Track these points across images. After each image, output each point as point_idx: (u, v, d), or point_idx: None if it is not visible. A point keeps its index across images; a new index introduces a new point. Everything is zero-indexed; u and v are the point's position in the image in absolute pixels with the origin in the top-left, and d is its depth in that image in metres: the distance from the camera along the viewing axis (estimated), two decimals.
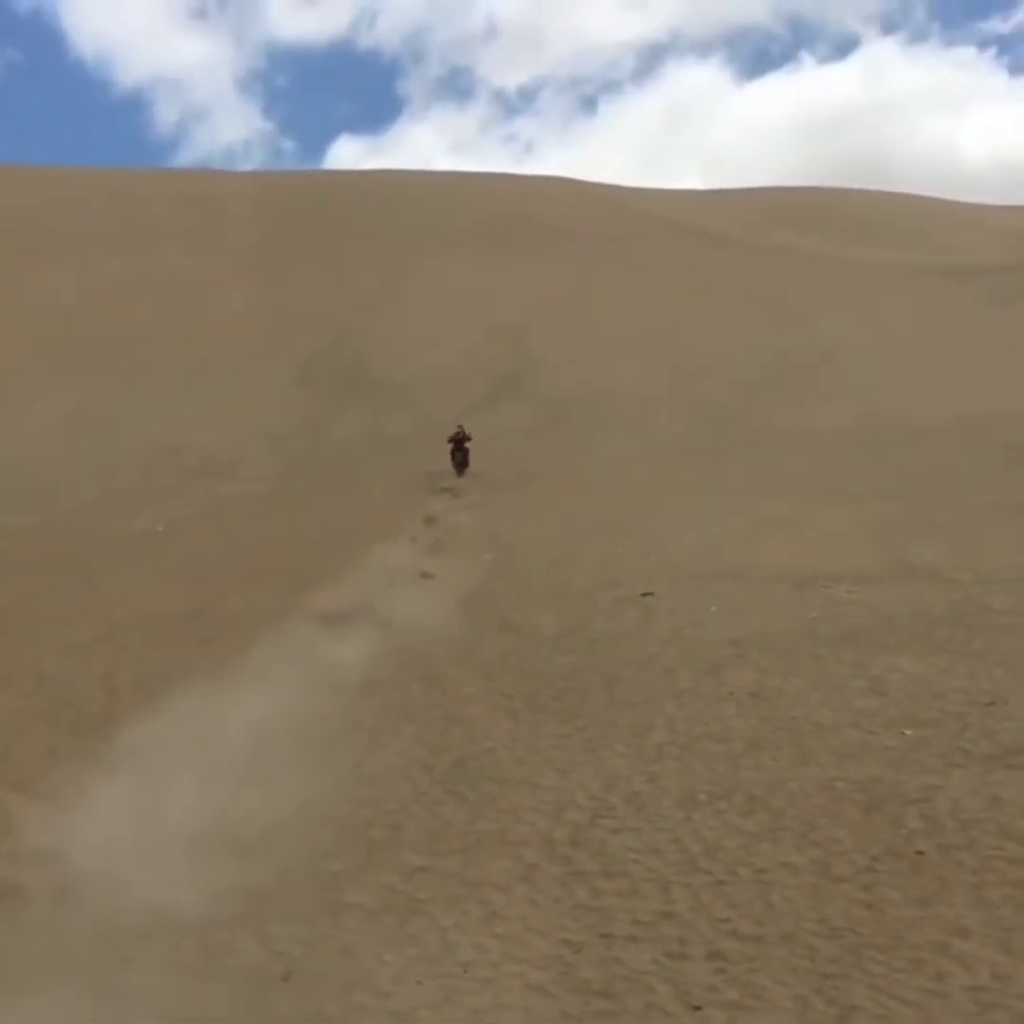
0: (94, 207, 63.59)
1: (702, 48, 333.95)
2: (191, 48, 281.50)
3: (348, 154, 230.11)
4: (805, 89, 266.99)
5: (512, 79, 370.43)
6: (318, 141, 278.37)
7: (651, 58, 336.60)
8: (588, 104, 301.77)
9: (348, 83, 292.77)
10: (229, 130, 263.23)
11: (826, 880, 10.98)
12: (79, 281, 49.75)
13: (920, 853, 11.30)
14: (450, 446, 30.68)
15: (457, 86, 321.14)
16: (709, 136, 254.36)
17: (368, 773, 13.86)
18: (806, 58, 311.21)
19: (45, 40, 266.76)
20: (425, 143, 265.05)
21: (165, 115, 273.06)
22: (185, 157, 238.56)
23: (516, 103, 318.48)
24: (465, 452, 30.57)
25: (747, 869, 11.32)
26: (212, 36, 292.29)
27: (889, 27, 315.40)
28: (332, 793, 13.32)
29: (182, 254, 55.53)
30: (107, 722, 15.14)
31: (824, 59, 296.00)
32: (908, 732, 14.20)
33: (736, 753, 14.03)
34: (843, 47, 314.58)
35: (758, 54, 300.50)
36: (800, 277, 55.98)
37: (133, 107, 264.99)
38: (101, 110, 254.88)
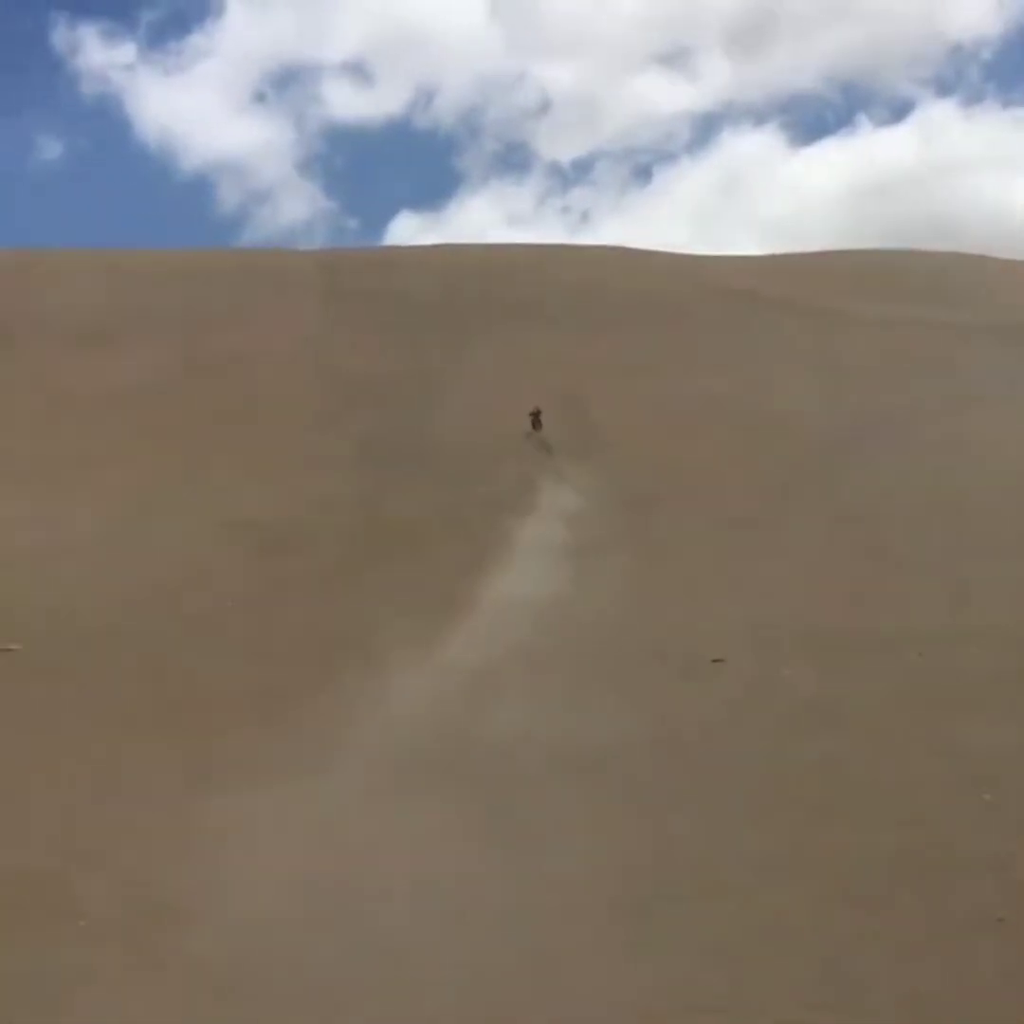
0: (155, 289, 64.53)
1: (757, 115, 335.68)
2: (251, 132, 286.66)
3: (407, 229, 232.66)
4: (861, 153, 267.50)
5: (567, 152, 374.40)
6: (378, 218, 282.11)
7: (705, 127, 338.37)
8: (643, 174, 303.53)
9: (406, 161, 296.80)
10: (290, 210, 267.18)
11: (904, 950, 10.73)
12: (140, 362, 50.40)
13: (1001, 920, 11.03)
14: (530, 417, 42.57)
15: (513, 161, 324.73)
16: (765, 202, 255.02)
17: (438, 852, 13.75)
18: (861, 122, 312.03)
19: (110, 128, 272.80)
20: (482, 216, 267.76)
21: (227, 198, 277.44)
22: (248, 239, 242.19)
23: (571, 175, 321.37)
24: (539, 422, 42.40)
25: (822, 940, 11.10)
26: (272, 119, 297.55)
27: (944, 89, 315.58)
28: (407, 870, 13.21)
29: (242, 332, 56.15)
30: (177, 804, 15.12)
31: (880, 123, 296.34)
32: (987, 797, 13.93)
33: (808, 820, 13.81)
34: (898, 110, 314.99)
35: (813, 120, 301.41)
36: (863, 339, 55.75)
37: (196, 191, 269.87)
38: (165, 195, 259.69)
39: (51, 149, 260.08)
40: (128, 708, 18.30)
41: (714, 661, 20.05)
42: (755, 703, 18.03)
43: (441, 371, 50.60)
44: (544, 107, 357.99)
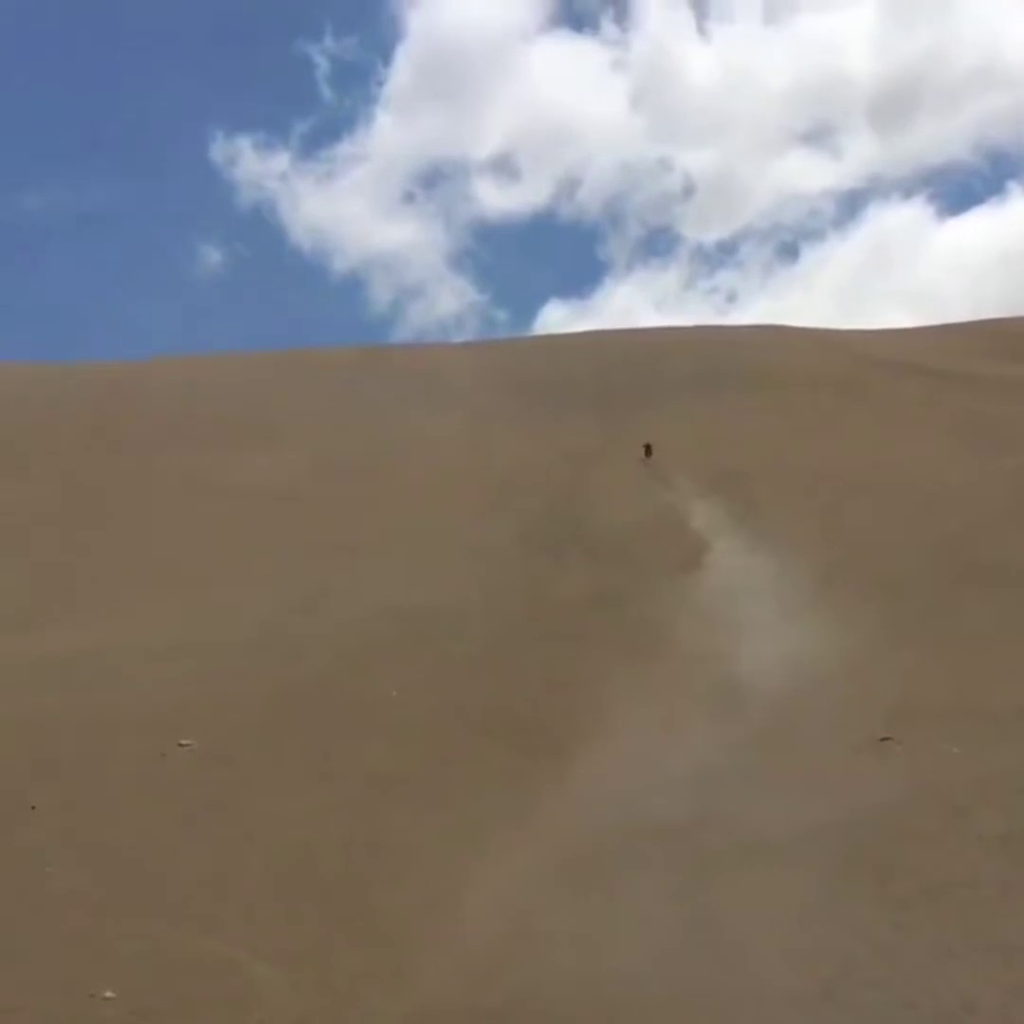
0: (313, 383, 66.02)
1: (904, 189, 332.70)
2: (402, 231, 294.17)
3: (556, 317, 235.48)
4: (1012, 220, 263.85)
5: (711, 234, 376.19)
6: (527, 308, 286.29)
7: (851, 204, 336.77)
8: (789, 252, 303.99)
9: (553, 251, 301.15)
10: (442, 305, 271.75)
11: None
12: (300, 454, 51.48)
13: None
14: (644, 448, 49.74)
15: (657, 246, 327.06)
16: (915, 275, 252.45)
17: (622, 940, 13.69)
18: (1011, 190, 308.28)
19: (267, 234, 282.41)
20: (629, 302, 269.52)
21: (380, 296, 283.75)
22: (401, 334, 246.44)
23: (716, 257, 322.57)
24: (650, 451, 49.44)
25: None
26: (422, 218, 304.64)
27: None
28: (598, 954, 13.18)
29: (398, 421, 57.11)
30: (346, 887, 15.30)
31: None
32: None
33: (988, 899, 13.45)
34: None
35: (961, 190, 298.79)
36: (1019, 405, 54.72)
37: (350, 291, 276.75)
38: (321, 296, 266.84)
39: (212, 257, 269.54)
40: (301, 798, 18.56)
41: (882, 739, 19.69)
42: (926, 781, 17.64)
43: (598, 453, 50.86)
44: (688, 191, 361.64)
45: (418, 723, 22.23)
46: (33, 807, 17.11)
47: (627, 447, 51.74)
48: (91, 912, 14.24)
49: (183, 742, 20.51)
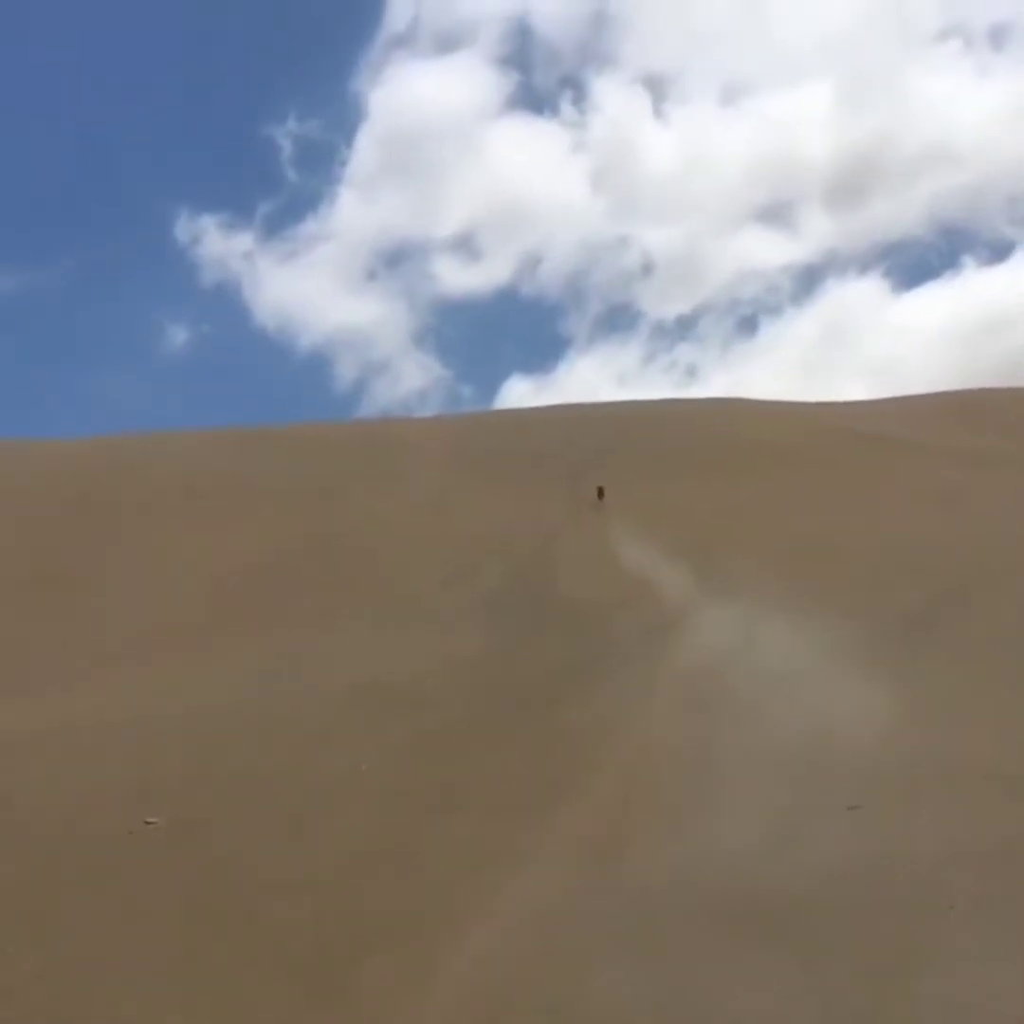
0: (282, 460, 66.20)
1: (860, 264, 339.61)
2: (366, 309, 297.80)
3: (518, 392, 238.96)
4: (967, 293, 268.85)
5: (671, 310, 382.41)
6: (490, 383, 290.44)
7: (808, 279, 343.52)
8: (747, 326, 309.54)
9: (515, 327, 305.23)
10: (407, 380, 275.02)
11: None
12: (268, 532, 51.55)
13: None
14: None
15: (618, 322, 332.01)
16: (871, 348, 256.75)
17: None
18: (965, 264, 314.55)
19: (231, 313, 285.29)
20: (591, 376, 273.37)
21: (345, 373, 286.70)
22: (366, 410, 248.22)
23: (676, 332, 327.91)
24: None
25: None
26: (385, 296, 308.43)
27: None
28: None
29: (368, 495, 57.31)
30: (318, 963, 15.16)
31: (983, 263, 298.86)
32: None
33: (963, 968, 13.44)
34: (1000, 251, 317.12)
35: (916, 264, 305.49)
36: (983, 477, 55.31)
37: (315, 368, 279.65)
38: (286, 373, 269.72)
39: (178, 336, 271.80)
40: (270, 874, 18.42)
41: (850, 808, 19.67)
42: (894, 850, 17.62)
43: (564, 523, 51.07)
44: (647, 269, 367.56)
45: (389, 796, 22.11)
46: None
47: (593, 518, 51.99)
48: (53, 994, 14.06)
49: (150, 819, 20.34)
